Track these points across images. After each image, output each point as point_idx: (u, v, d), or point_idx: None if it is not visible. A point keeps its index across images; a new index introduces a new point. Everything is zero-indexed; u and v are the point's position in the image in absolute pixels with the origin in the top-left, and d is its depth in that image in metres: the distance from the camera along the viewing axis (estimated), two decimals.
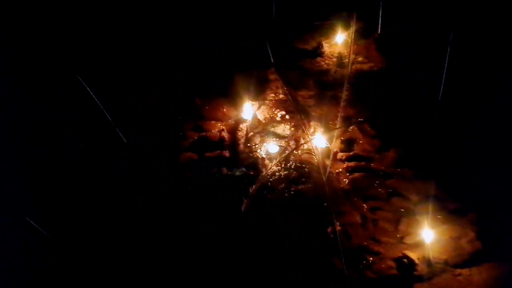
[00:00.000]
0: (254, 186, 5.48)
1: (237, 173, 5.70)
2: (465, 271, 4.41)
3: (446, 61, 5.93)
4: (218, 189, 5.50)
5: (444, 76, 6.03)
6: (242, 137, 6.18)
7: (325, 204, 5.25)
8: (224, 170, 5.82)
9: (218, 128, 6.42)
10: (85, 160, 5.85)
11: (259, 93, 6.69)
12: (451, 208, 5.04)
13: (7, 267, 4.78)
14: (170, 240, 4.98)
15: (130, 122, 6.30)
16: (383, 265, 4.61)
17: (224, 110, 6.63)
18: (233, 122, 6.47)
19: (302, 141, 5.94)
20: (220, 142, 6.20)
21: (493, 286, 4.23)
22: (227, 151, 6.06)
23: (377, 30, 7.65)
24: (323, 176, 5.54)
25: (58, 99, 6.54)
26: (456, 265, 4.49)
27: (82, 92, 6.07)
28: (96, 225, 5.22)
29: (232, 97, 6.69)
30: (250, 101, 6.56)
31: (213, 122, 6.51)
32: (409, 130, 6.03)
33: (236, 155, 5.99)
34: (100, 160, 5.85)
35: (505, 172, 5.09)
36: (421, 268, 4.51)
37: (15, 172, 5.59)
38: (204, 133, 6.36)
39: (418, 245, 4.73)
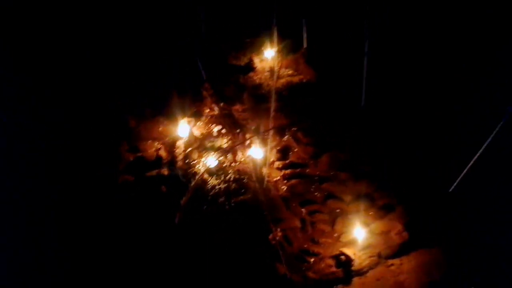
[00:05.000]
0: (193, 202, 5.47)
1: (177, 190, 5.67)
2: (396, 261, 4.72)
3: (364, 71, 6.43)
4: (158, 208, 5.43)
5: (364, 84, 6.53)
6: (180, 154, 6.18)
7: (265, 212, 5.38)
8: (163, 188, 5.76)
9: (154, 148, 6.36)
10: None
11: (195, 110, 6.76)
12: (380, 204, 5.39)
13: None
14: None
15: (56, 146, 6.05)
16: (322, 265, 4.81)
17: (160, 129, 6.60)
18: (170, 140, 6.44)
19: (240, 153, 6.07)
20: (157, 161, 6.14)
21: (422, 271, 4.57)
22: (166, 169, 6.02)
23: (304, 45, 8.11)
24: (262, 186, 5.68)
25: None
26: (388, 257, 4.80)
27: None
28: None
29: (167, 115, 6.69)
30: (186, 118, 6.60)
31: (149, 141, 6.44)
32: (339, 135, 6.40)
33: (174, 172, 5.97)
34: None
35: (429, 166, 5.58)
36: (357, 263, 4.76)
37: None
38: (140, 154, 6.27)
39: (353, 242, 5.00)
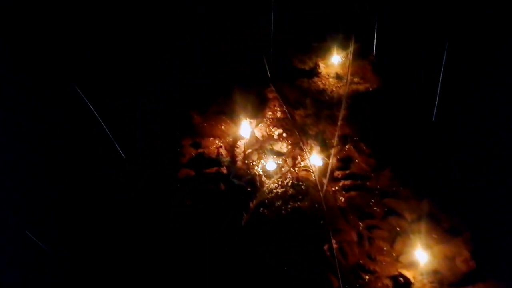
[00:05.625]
0: (252, 203, 5.51)
1: (235, 190, 5.75)
2: None
3: (440, 84, 6.10)
4: (217, 205, 5.54)
5: (437, 97, 6.18)
6: (240, 154, 6.25)
7: (322, 221, 5.30)
8: (222, 186, 5.87)
9: (216, 145, 6.48)
10: (83, 175, 5.82)
11: (257, 111, 6.78)
12: (445, 227, 5.10)
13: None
14: (170, 252, 4.99)
15: (128, 138, 6.33)
16: (379, 284, 4.64)
17: (222, 127, 6.71)
18: (231, 139, 6.54)
19: (299, 159, 6.02)
20: (217, 159, 6.26)
21: None
22: (225, 167, 6.12)
23: (373, 52, 7.85)
24: (320, 194, 5.60)
25: (55, 116, 6.48)
26: (451, 285, 4.53)
27: (79, 105, 6.08)
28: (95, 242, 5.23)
29: (230, 114, 6.78)
30: (248, 119, 6.65)
31: (211, 139, 6.57)
32: (404, 149, 6.13)
33: (232, 171, 6.05)
34: (99, 177, 5.80)
35: (499, 192, 5.18)
36: (416, 287, 4.53)
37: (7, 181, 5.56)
38: (202, 150, 6.42)
39: (413, 264, 4.77)
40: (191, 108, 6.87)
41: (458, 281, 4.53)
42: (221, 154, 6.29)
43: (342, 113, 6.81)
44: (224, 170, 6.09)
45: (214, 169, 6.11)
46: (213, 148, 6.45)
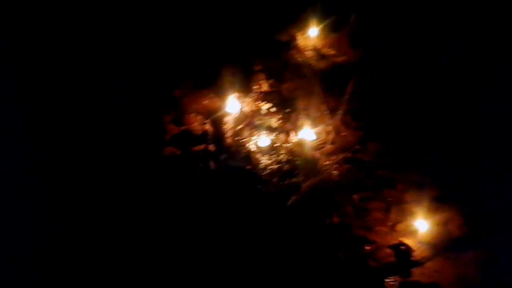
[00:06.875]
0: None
1: (228, 167, 5.55)
2: (454, 254, 4.73)
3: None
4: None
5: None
6: (228, 130, 6.00)
7: (319, 195, 5.32)
8: (212, 164, 5.63)
9: (200, 121, 6.15)
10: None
11: (242, 85, 6.51)
12: (435, 194, 5.35)
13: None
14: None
15: None
16: (382, 253, 4.80)
17: (205, 102, 6.37)
18: (215, 115, 6.24)
19: (291, 134, 5.92)
20: (203, 136, 5.97)
21: (481, 266, 4.60)
22: (213, 145, 5.86)
23: (349, 24, 7.82)
24: (314, 169, 5.59)
25: None
26: (446, 249, 4.81)
27: None
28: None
29: (213, 89, 6.43)
30: (233, 93, 6.36)
31: (193, 115, 6.23)
32: (388, 120, 6.28)
33: (223, 149, 5.82)
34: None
35: (488, 156, 5.49)
36: (416, 254, 4.76)
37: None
38: (185, 127, 6.07)
39: (409, 232, 4.99)
40: (170, 82, 6.41)
41: (452, 245, 4.83)
42: (208, 131, 5.99)
43: (323, 86, 6.79)
44: (211, 147, 5.84)
45: (201, 146, 5.84)
46: (197, 124, 6.12)
